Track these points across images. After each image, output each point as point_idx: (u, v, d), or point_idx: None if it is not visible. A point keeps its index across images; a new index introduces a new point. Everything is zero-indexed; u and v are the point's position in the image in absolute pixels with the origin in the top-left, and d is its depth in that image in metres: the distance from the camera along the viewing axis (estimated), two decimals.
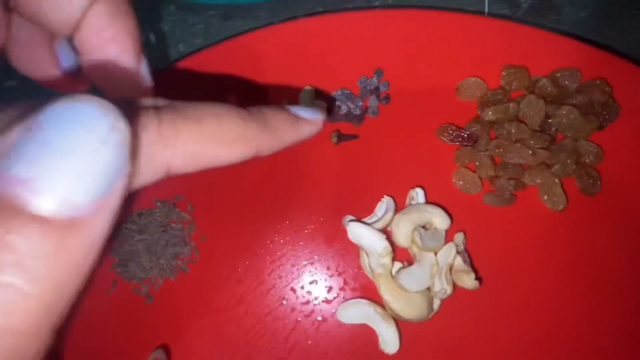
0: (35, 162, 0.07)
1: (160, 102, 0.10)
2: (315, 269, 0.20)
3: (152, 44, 0.27)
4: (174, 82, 0.23)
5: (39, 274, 0.07)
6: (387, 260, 0.18)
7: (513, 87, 0.22)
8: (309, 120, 0.12)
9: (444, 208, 0.20)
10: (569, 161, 0.20)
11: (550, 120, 0.21)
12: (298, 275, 0.20)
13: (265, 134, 0.11)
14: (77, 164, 0.07)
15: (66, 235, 0.07)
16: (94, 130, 0.07)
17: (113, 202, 0.08)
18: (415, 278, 0.18)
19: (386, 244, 0.18)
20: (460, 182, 0.21)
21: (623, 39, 0.27)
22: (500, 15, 0.27)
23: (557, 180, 0.20)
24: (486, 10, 0.27)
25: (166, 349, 0.19)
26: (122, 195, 0.08)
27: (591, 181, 0.20)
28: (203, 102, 0.10)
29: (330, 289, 0.20)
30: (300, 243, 0.21)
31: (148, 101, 0.10)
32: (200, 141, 0.10)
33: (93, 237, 0.08)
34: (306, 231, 0.21)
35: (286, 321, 0.20)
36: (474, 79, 0.22)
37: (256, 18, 0.28)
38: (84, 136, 0.07)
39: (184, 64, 0.23)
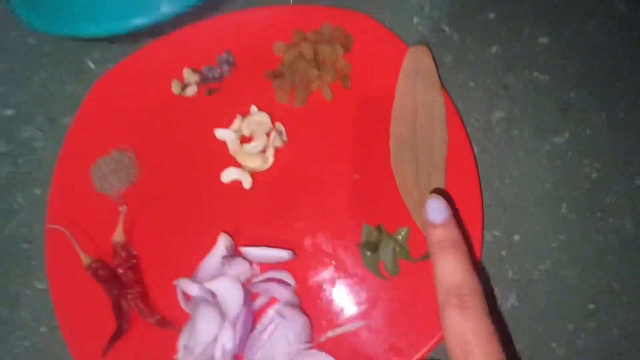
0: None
1: None
2: None
3: None
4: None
5: None
6: (238, 143, 0.35)
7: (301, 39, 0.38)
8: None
9: (269, 113, 0.36)
10: (332, 71, 0.37)
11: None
12: None
13: None
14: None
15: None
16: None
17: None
18: (253, 146, 0.34)
19: (235, 135, 0.35)
20: (279, 100, 0.37)
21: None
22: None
23: (327, 84, 0.37)
24: None
25: None
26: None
27: (345, 80, 0.37)
28: None
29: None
30: None
31: None
32: None
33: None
34: None
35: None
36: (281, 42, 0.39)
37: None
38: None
39: None
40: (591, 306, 0.33)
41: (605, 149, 0.36)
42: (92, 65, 0.43)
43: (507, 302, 0.33)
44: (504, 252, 0.35)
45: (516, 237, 0.35)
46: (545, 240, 0.34)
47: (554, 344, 0.33)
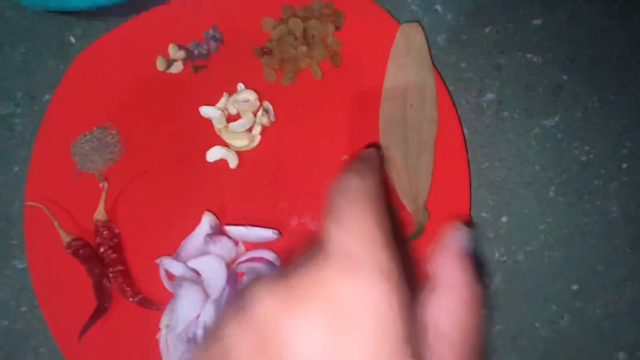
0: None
1: None
2: None
3: None
4: None
5: None
6: (224, 121, 0.33)
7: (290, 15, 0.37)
8: None
9: (256, 91, 0.35)
10: (321, 49, 0.36)
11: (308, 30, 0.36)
12: None
13: None
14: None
15: None
16: None
17: None
18: (239, 124, 0.33)
19: (221, 113, 0.34)
20: (267, 78, 0.36)
21: None
22: None
23: (317, 62, 0.36)
24: None
25: None
26: None
27: (335, 58, 0.36)
28: None
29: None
30: None
31: None
32: None
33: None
34: None
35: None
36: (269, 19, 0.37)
37: None
38: None
39: None
40: (575, 287, 0.33)
41: (595, 132, 0.36)
42: (73, 41, 0.42)
43: (493, 284, 0.34)
44: (491, 234, 0.35)
45: (504, 219, 0.35)
46: (532, 223, 0.34)
47: (537, 324, 0.33)
